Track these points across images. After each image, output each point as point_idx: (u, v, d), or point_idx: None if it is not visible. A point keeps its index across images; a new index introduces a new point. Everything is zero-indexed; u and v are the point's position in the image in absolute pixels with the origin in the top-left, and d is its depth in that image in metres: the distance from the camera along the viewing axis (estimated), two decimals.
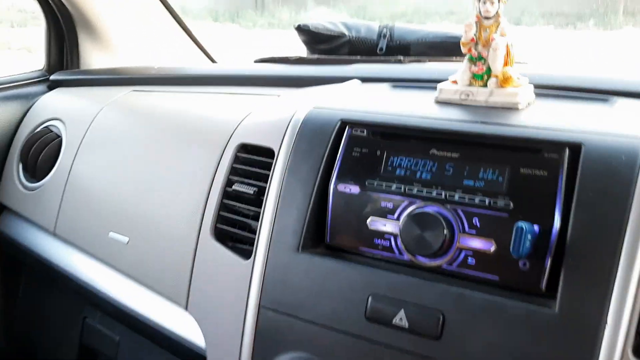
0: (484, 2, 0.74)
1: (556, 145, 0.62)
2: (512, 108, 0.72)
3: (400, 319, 0.63)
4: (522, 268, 0.61)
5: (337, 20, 1.32)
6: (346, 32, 1.28)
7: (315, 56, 1.12)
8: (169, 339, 0.87)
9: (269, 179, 0.78)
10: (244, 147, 0.84)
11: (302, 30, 1.30)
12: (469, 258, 0.64)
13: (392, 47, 1.25)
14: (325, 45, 1.29)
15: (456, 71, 0.77)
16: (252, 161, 0.82)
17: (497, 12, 0.74)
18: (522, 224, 0.57)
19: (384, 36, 1.28)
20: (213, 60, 1.53)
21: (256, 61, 1.23)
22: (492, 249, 0.63)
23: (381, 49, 1.27)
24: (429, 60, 0.99)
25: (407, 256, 0.68)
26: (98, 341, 1.07)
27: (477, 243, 0.63)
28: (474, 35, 0.76)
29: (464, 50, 0.77)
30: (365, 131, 0.74)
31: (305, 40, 1.31)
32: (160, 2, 1.38)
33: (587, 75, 0.83)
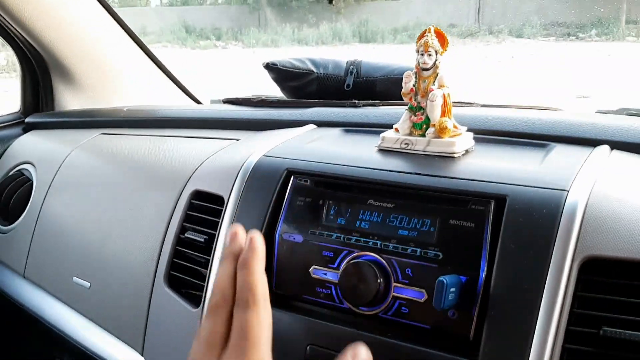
0: (422, 54, 0.77)
1: (482, 198, 0.64)
2: (448, 156, 0.74)
3: None
4: (451, 317, 0.63)
5: (305, 57, 1.35)
6: (314, 69, 1.31)
7: (276, 98, 1.15)
8: None
9: (219, 226, 0.80)
10: (198, 194, 0.86)
11: (270, 68, 1.33)
12: (403, 307, 0.66)
13: (358, 84, 1.28)
14: (294, 83, 1.32)
15: None
16: (204, 208, 0.84)
17: (435, 64, 0.77)
18: (444, 279, 0.59)
19: (351, 72, 1.31)
20: (196, 100, 1.56)
21: (224, 101, 1.26)
22: (423, 298, 0.64)
23: (348, 86, 1.30)
24: (382, 105, 1.02)
25: (346, 304, 0.69)
26: None
27: (409, 293, 0.65)
28: (414, 85, 0.78)
29: (404, 99, 0.80)
30: (309, 181, 0.76)
31: (275, 77, 1.34)
32: (138, 47, 1.41)
33: (529, 118, 0.85)
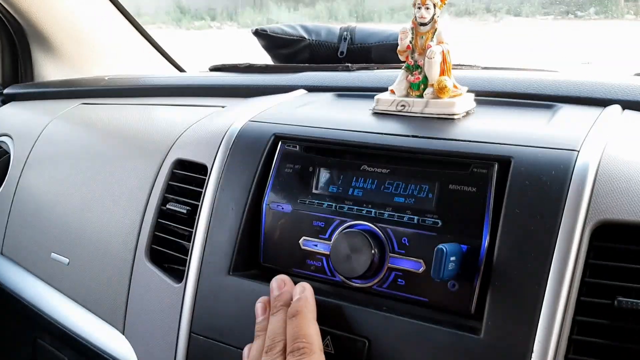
0: (419, 7, 0.71)
1: (485, 160, 0.59)
2: (448, 118, 0.69)
3: (327, 345, 0.60)
4: (451, 289, 0.58)
5: (297, 24, 1.29)
6: (305, 36, 1.25)
7: (264, 64, 1.09)
8: None
9: (202, 197, 0.74)
10: (181, 163, 0.81)
11: (260, 34, 1.27)
12: (399, 279, 0.61)
13: (353, 50, 1.22)
14: (285, 50, 1.26)
15: None
16: (187, 177, 0.79)
17: (433, 18, 0.71)
18: (443, 247, 0.54)
19: (345, 39, 1.25)
20: (181, 69, 1.50)
21: (211, 68, 1.20)
22: (421, 269, 0.60)
23: (342, 53, 1.24)
24: (377, 68, 0.96)
25: (339, 277, 0.64)
26: None
27: (406, 263, 0.60)
28: (410, 42, 0.73)
29: (401, 57, 0.74)
30: (298, 146, 0.71)
31: (265, 44, 1.28)
32: (120, 14, 1.35)
33: (533, 79, 0.79)
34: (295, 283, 0.63)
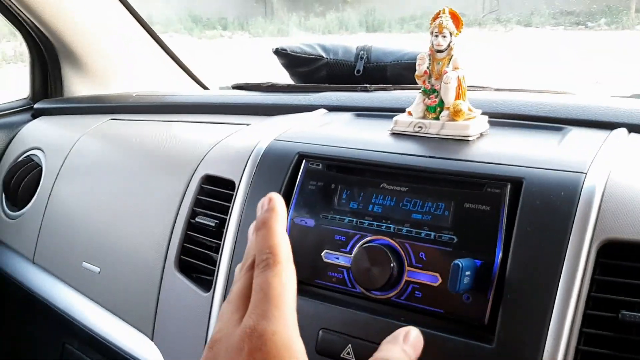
0: (436, 36, 0.75)
1: (498, 181, 0.63)
2: (463, 140, 0.73)
3: (348, 352, 0.64)
4: (465, 301, 0.62)
5: (315, 42, 1.34)
6: (324, 55, 1.30)
7: (286, 84, 1.14)
8: None
9: (230, 211, 0.79)
10: (209, 179, 0.86)
11: (280, 53, 1.32)
12: (417, 291, 0.65)
13: (369, 69, 1.27)
14: (304, 68, 1.31)
15: None
16: (215, 192, 0.84)
17: (449, 45, 0.75)
18: (459, 262, 0.58)
19: (362, 58, 1.29)
20: (204, 86, 1.55)
21: (233, 87, 1.25)
22: (438, 282, 0.64)
23: (358, 71, 1.29)
24: (394, 89, 1.00)
25: (359, 289, 0.69)
26: None
27: (423, 277, 0.64)
28: (427, 68, 0.77)
29: (418, 82, 0.78)
30: (321, 165, 0.75)
31: (284, 63, 1.33)
32: (146, 33, 1.40)
33: (544, 102, 0.83)
34: (317, 295, 0.67)
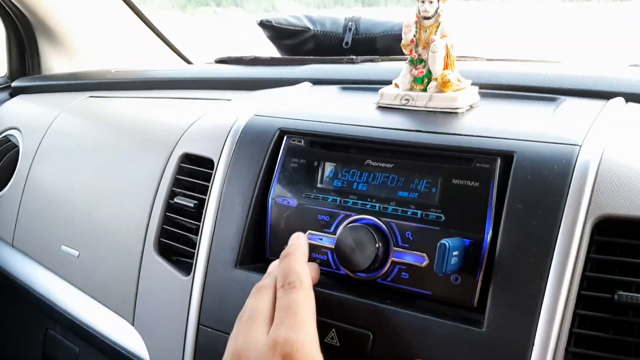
0: (423, 1, 0.71)
1: (488, 155, 0.60)
2: (451, 112, 0.70)
3: (332, 337, 0.61)
4: (453, 283, 0.59)
5: (302, 14, 1.29)
6: (310, 26, 1.25)
7: (269, 57, 1.09)
8: (119, 353, 0.85)
9: (209, 190, 0.75)
10: (187, 157, 0.82)
11: (265, 25, 1.27)
12: (403, 272, 0.62)
13: (357, 41, 1.22)
14: (290, 41, 1.27)
15: None
16: (194, 172, 0.80)
17: (436, 12, 0.71)
18: (446, 241, 0.55)
19: (350, 29, 1.25)
20: (188, 61, 1.50)
21: (216, 61, 1.21)
22: (425, 263, 0.61)
23: (347, 43, 1.24)
24: (382, 60, 0.96)
25: (343, 271, 0.66)
26: (60, 352, 1.06)
27: (410, 257, 0.61)
28: (414, 36, 0.73)
29: (405, 51, 0.74)
30: (303, 141, 0.71)
31: (270, 35, 1.29)
32: (127, 6, 1.35)
33: (537, 72, 0.79)
34: None
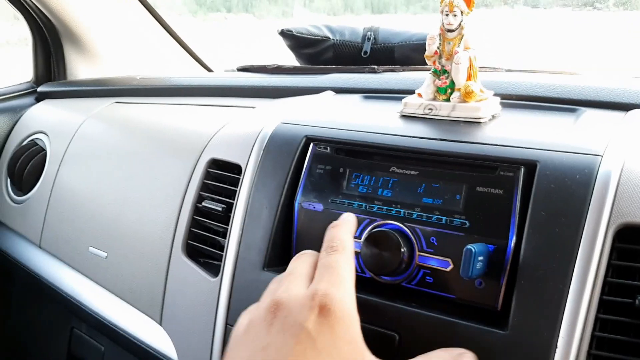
0: (447, 15, 0.73)
1: (512, 164, 0.62)
2: (474, 122, 0.72)
3: None
4: (477, 287, 0.61)
5: (321, 24, 1.32)
6: (330, 36, 1.28)
7: (292, 65, 1.12)
8: (146, 352, 0.88)
9: (237, 195, 0.78)
10: (215, 163, 0.85)
11: (285, 35, 1.30)
12: (427, 277, 0.64)
13: (376, 50, 1.25)
14: (310, 50, 1.30)
15: None
16: (222, 177, 0.83)
17: (460, 25, 0.73)
18: (472, 247, 0.57)
19: (369, 39, 1.27)
20: (208, 69, 1.53)
21: (239, 69, 1.23)
22: (449, 267, 0.63)
23: (365, 52, 1.27)
24: (403, 70, 0.99)
25: (368, 274, 0.68)
26: (85, 351, 1.09)
27: (434, 262, 0.63)
28: (438, 48, 0.75)
29: (428, 62, 0.77)
30: (328, 148, 0.74)
31: (290, 44, 1.32)
32: (149, 14, 1.38)
33: (557, 83, 0.82)
34: None
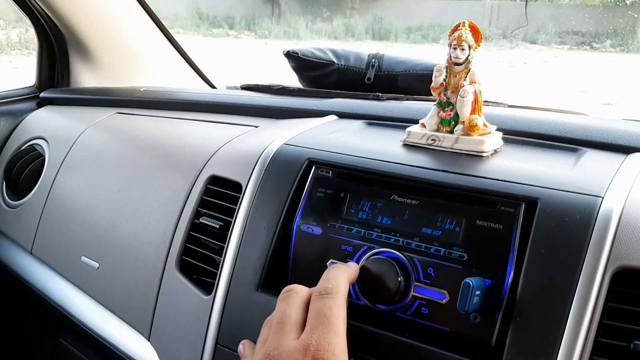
0: (455, 48, 0.74)
1: (513, 199, 0.62)
2: (477, 155, 0.72)
3: None
4: (473, 321, 0.61)
5: (327, 47, 1.33)
6: (335, 60, 1.29)
7: (297, 87, 1.12)
8: None
9: (235, 213, 0.78)
10: (215, 179, 0.84)
11: (291, 56, 1.31)
12: (423, 307, 0.64)
13: (379, 77, 1.26)
14: (314, 73, 1.30)
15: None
16: (221, 194, 0.82)
17: (467, 59, 0.74)
18: (470, 280, 0.57)
19: (373, 66, 1.28)
20: (212, 85, 1.54)
21: (242, 87, 1.24)
22: (445, 300, 0.62)
23: (369, 79, 1.28)
24: (407, 99, 0.99)
25: (363, 301, 0.67)
26: None
27: (430, 293, 0.63)
28: (444, 80, 0.76)
29: (434, 94, 0.77)
30: (330, 172, 0.74)
31: (295, 66, 1.32)
32: (157, 27, 1.39)
33: (559, 121, 0.82)
34: None
